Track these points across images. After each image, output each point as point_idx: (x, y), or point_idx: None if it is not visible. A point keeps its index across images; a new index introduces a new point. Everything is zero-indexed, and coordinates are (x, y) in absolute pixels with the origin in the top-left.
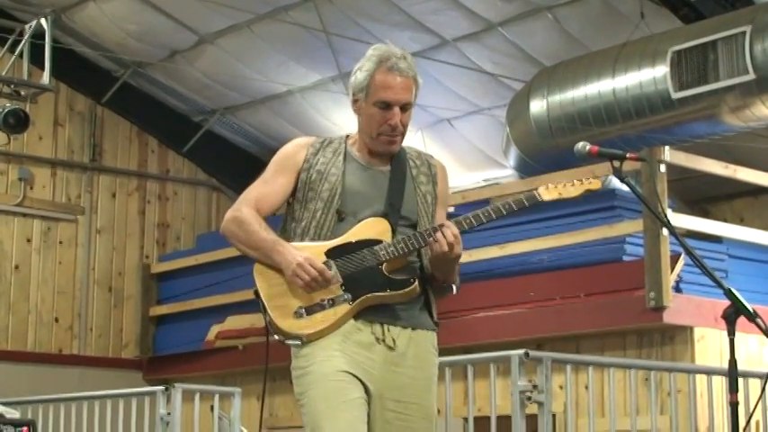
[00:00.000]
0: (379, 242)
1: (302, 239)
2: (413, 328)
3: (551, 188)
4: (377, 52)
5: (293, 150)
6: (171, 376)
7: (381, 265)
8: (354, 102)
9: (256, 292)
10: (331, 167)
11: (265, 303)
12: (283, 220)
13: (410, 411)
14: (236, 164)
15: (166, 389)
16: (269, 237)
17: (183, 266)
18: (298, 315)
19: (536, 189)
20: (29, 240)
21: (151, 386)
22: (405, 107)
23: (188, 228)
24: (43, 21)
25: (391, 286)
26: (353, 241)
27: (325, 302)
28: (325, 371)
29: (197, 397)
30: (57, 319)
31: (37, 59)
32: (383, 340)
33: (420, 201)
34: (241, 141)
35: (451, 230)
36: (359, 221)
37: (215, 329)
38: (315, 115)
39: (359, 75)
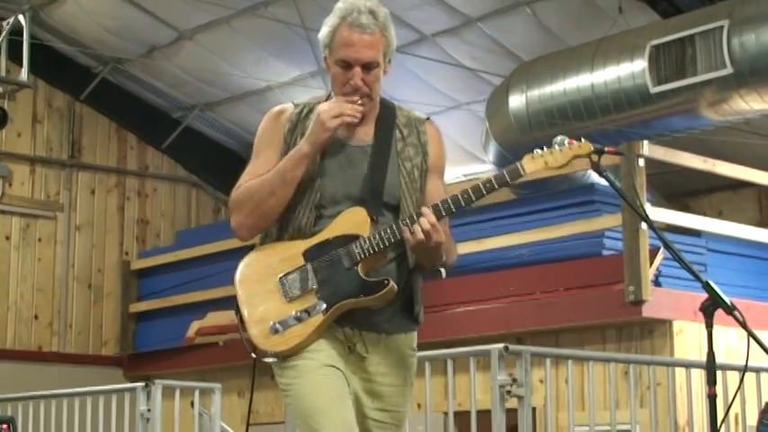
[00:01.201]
0: (357, 237)
1: (280, 236)
2: (387, 334)
3: (536, 156)
4: (343, 5)
5: (269, 129)
6: (151, 373)
7: (357, 265)
8: (325, 59)
9: (236, 306)
10: None
11: (244, 316)
12: None
13: (383, 418)
14: (216, 160)
15: (146, 385)
16: (274, 169)
17: (162, 263)
18: (273, 331)
19: (519, 161)
20: (8, 238)
21: (131, 383)
22: (368, 65)
23: (168, 224)
24: (21, 17)
25: (365, 291)
26: (331, 238)
27: (300, 314)
28: (313, 363)
29: (177, 393)
30: (36, 317)
31: (15, 56)
32: (354, 349)
33: (404, 181)
34: (220, 137)
35: (427, 219)
36: (338, 212)
37: (195, 326)
38: None
39: (323, 30)
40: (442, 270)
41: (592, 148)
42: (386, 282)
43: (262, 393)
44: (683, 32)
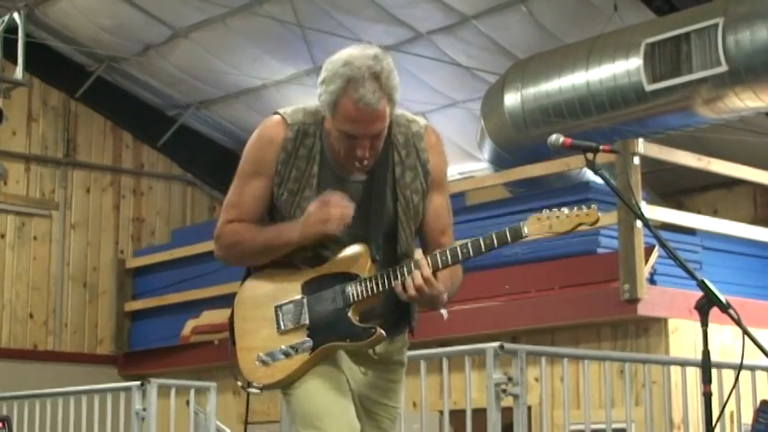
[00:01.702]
0: (355, 277)
1: (282, 262)
2: (390, 338)
3: (542, 219)
4: (346, 71)
5: (260, 156)
6: (146, 371)
7: (349, 307)
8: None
9: (231, 324)
10: (305, 187)
11: (236, 339)
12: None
13: (381, 411)
14: (211, 158)
15: (142, 384)
16: (268, 233)
17: (157, 261)
18: (260, 361)
19: (524, 221)
20: (3, 236)
21: (127, 381)
22: (376, 136)
23: (163, 222)
24: (16, 15)
25: (352, 336)
26: (330, 274)
27: (288, 350)
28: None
29: (173, 392)
30: (31, 315)
31: (10, 54)
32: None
33: (401, 210)
34: (216, 135)
35: (422, 273)
36: (340, 248)
37: (190, 324)
38: None
39: (324, 94)
40: (443, 311)
41: (598, 218)
42: (373, 330)
43: None
44: (678, 30)
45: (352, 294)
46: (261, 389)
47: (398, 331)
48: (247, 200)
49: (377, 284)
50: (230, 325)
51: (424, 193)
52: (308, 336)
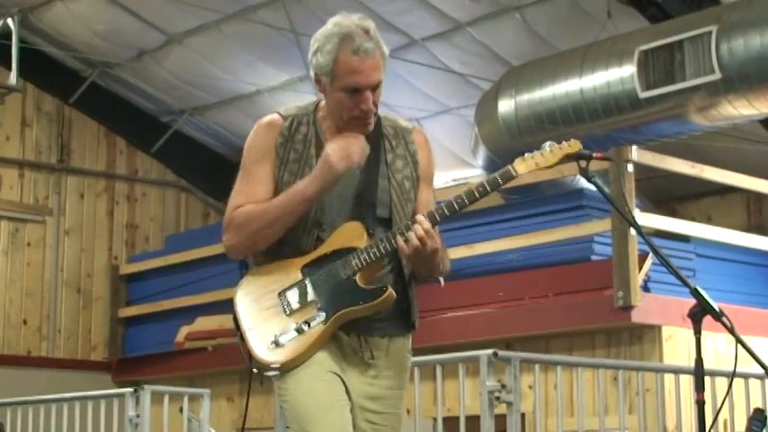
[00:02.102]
0: (354, 249)
1: (277, 255)
2: (390, 337)
3: (527, 158)
4: (338, 30)
5: (260, 140)
6: (140, 378)
7: (355, 275)
8: (317, 82)
9: (235, 320)
10: (304, 166)
11: (244, 331)
12: None
13: (383, 421)
14: (205, 164)
15: (135, 391)
16: (279, 198)
17: (151, 267)
18: (274, 343)
19: (510, 164)
20: None
21: (120, 388)
22: (375, 87)
23: (157, 229)
24: (10, 20)
25: (364, 298)
26: (328, 252)
27: (301, 325)
28: (311, 370)
29: (166, 398)
30: (25, 321)
31: (4, 59)
32: (360, 354)
33: (395, 193)
34: (210, 142)
35: (422, 226)
36: (337, 221)
37: (184, 330)
38: None
39: (320, 57)
40: (441, 279)
41: (581, 147)
42: (384, 288)
43: (251, 399)
44: (672, 38)
45: (356, 263)
46: (279, 369)
47: (400, 328)
48: (255, 184)
49: (378, 249)
50: (235, 322)
51: (414, 181)
52: (318, 310)
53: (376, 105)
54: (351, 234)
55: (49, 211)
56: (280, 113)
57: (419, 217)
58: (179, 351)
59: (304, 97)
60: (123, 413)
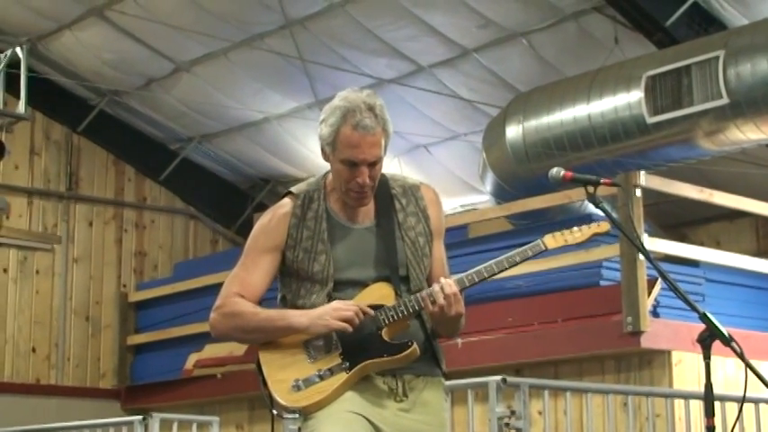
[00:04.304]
0: (380, 307)
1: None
2: (425, 375)
3: (557, 236)
4: (342, 104)
5: (273, 227)
6: (149, 405)
7: (380, 330)
8: (323, 150)
9: (258, 364)
10: (317, 242)
11: (266, 377)
12: (281, 297)
13: None
14: (214, 191)
15: (144, 418)
16: (271, 312)
17: (160, 295)
18: (295, 388)
19: (541, 238)
20: (5, 270)
21: (129, 416)
22: (373, 163)
23: (165, 256)
24: (18, 50)
25: (389, 351)
26: None
27: (324, 372)
28: (335, 408)
29: (175, 426)
30: (34, 349)
31: (12, 88)
32: (396, 392)
33: (409, 251)
34: (218, 169)
35: (451, 290)
36: (359, 286)
37: (193, 358)
38: (292, 142)
39: (324, 128)
40: (458, 340)
41: (609, 228)
42: (409, 343)
43: (260, 426)
44: (679, 63)
45: (383, 319)
46: (299, 412)
47: (433, 368)
48: (255, 275)
49: (406, 307)
50: (258, 367)
51: (427, 236)
52: (342, 359)
53: (374, 180)
54: (380, 293)
55: (57, 239)
56: (292, 193)
57: (448, 281)
58: (188, 378)
59: (311, 125)
60: None
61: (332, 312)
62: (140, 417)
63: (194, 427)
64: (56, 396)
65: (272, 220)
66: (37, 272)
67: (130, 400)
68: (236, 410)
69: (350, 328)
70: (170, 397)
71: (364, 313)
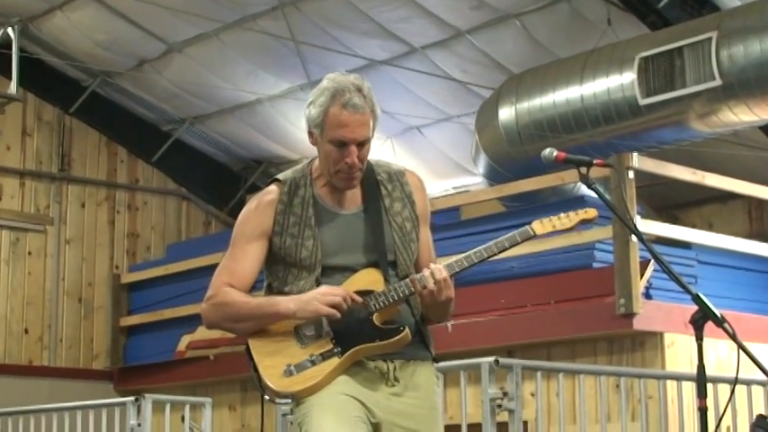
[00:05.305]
0: (370, 292)
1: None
2: (414, 360)
3: (545, 222)
4: (331, 85)
5: (259, 213)
6: (142, 387)
7: (372, 315)
8: (310, 134)
9: (248, 350)
10: (304, 228)
11: (257, 363)
12: (266, 285)
13: None
14: (206, 173)
15: (137, 400)
16: (261, 299)
17: (153, 276)
18: (287, 373)
19: (529, 224)
20: None
21: (122, 397)
22: (362, 143)
23: (158, 237)
24: (10, 30)
25: (381, 336)
26: None
27: (315, 358)
28: (328, 391)
29: (168, 408)
30: (26, 331)
31: (4, 69)
32: (387, 376)
33: (397, 236)
34: (210, 150)
35: (441, 275)
36: (347, 272)
37: (186, 339)
38: (284, 124)
39: (312, 109)
40: (448, 324)
41: (597, 215)
42: (401, 328)
43: (252, 408)
44: (672, 44)
45: (374, 304)
46: (291, 397)
47: (422, 351)
48: (244, 263)
49: (396, 292)
50: (248, 352)
51: (414, 221)
52: (334, 344)
53: (363, 161)
54: (369, 279)
55: (49, 220)
56: (278, 180)
57: (438, 266)
58: (180, 360)
59: (304, 106)
60: (125, 422)
61: (320, 297)
62: (133, 398)
63: (187, 408)
64: (48, 377)
65: (259, 207)
66: (29, 253)
67: (123, 381)
68: (228, 392)
69: (338, 315)
70: (162, 378)
71: (353, 300)
